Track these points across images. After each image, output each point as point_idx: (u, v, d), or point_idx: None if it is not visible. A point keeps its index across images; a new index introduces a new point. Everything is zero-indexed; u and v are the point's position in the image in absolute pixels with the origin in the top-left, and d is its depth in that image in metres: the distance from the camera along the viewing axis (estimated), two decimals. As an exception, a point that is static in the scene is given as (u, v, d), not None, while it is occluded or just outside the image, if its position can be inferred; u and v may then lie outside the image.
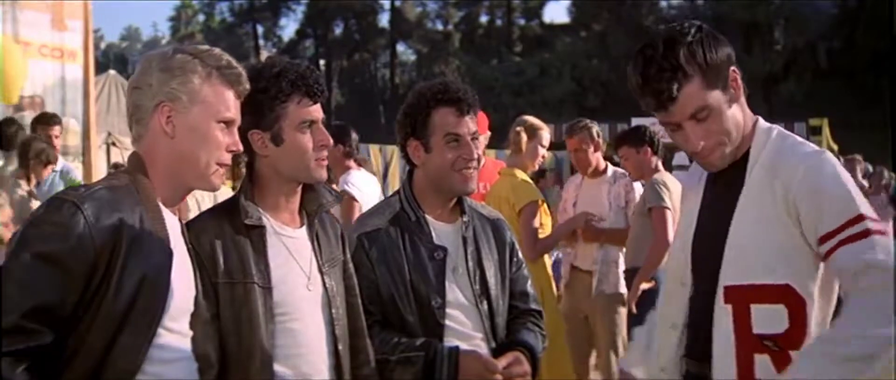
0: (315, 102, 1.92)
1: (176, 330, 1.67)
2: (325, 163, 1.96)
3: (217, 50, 1.77)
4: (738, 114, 1.76)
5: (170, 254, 1.65)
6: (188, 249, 1.78)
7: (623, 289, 4.37)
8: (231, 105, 1.74)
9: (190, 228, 1.86)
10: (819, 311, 1.68)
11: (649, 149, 4.31)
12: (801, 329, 1.65)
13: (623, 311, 4.33)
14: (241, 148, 1.79)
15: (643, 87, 1.72)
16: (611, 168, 4.56)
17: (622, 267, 4.54)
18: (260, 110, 1.87)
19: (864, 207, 1.65)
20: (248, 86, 1.78)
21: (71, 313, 1.51)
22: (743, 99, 1.78)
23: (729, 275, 1.74)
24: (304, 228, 1.99)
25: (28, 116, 7.05)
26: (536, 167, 4.39)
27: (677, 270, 1.88)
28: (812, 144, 1.77)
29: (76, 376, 1.53)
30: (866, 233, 1.61)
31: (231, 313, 1.81)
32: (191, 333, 1.74)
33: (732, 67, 1.75)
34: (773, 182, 1.70)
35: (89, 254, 1.51)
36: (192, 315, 1.75)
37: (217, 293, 1.81)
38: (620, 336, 4.32)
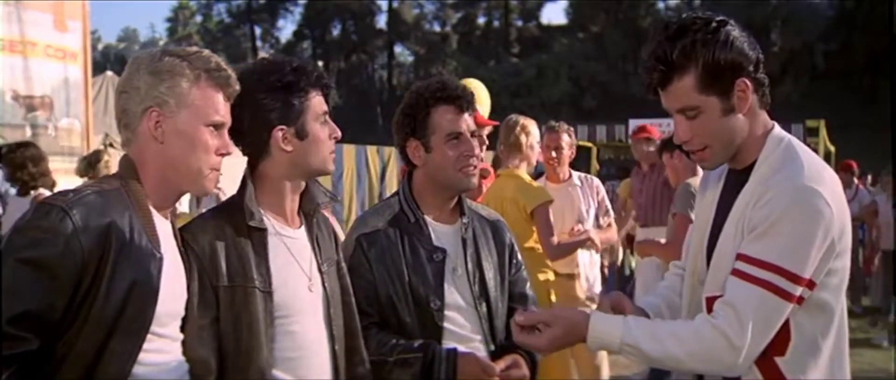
0: (327, 95, 1.94)
1: (165, 335, 1.66)
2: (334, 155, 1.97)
3: (206, 52, 1.74)
4: (737, 124, 1.70)
5: (160, 259, 1.63)
6: (181, 253, 1.76)
7: (598, 288, 4.55)
8: (221, 108, 1.72)
9: (188, 229, 1.84)
10: (806, 314, 1.64)
11: (682, 153, 4.26)
12: (782, 335, 1.64)
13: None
14: (231, 151, 1.77)
15: (644, 68, 1.73)
16: (575, 173, 4.62)
17: (598, 266, 4.70)
18: (289, 104, 1.86)
19: (794, 263, 1.58)
20: (237, 87, 1.76)
21: (59, 319, 1.50)
22: (753, 110, 1.71)
23: (709, 286, 1.74)
24: (303, 228, 1.98)
25: (40, 117, 7.03)
26: (534, 164, 4.39)
27: (694, 269, 1.85)
28: (819, 171, 1.65)
29: None
30: (762, 283, 1.59)
31: (231, 317, 1.78)
32: (180, 336, 1.72)
33: (741, 78, 1.67)
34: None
35: (77, 259, 1.49)
36: (186, 319, 1.74)
37: (218, 297, 1.78)
38: None
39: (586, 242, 4.25)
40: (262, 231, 1.85)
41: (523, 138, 4.12)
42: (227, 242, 1.82)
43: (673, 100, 1.70)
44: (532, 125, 4.21)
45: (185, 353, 1.72)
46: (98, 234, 1.52)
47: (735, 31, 1.67)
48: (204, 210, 2.05)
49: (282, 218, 1.93)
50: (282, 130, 1.86)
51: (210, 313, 1.77)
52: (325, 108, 1.92)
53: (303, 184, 1.96)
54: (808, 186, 1.60)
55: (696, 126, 1.70)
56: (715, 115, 1.68)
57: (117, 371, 1.55)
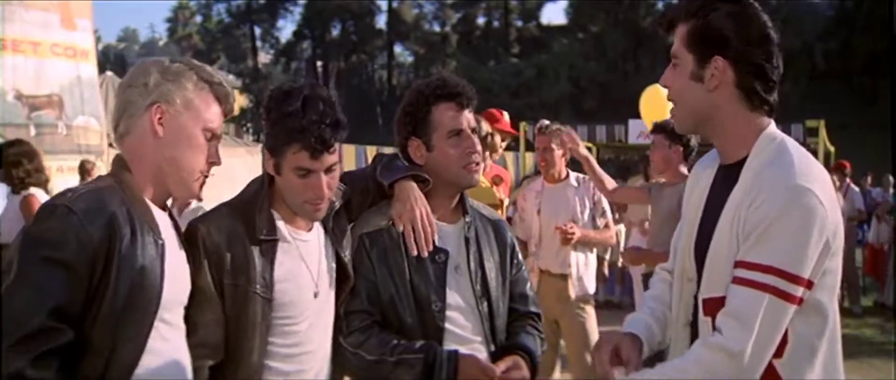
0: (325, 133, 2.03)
1: (169, 321, 1.71)
2: None
3: (210, 68, 1.86)
4: (700, 96, 1.72)
5: (162, 245, 1.69)
6: (181, 243, 1.82)
7: (592, 289, 4.54)
8: (217, 119, 1.82)
9: (203, 221, 1.92)
10: (801, 317, 1.63)
11: (682, 149, 4.26)
12: (781, 338, 1.63)
13: (593, 311, 4.45)
14: (220, 162, 1.84)
15: (667, 7, 1.82)
16: (572, 174, 4.61)
17: (594, 267, 4.64)
18: (277, 135, 1.96)
19: (793, 264, 1.58)
20: (233, 104, 1.87)
21: (80, 312, 1.56)
22: (733, 97, 1.71)
23: (706, 287, 1.73)
24: (315, 231, 2.05)
25: (45, 116, 7.03)
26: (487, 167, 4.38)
27: (683, 267, 1.84)
28: (810, 169, 1.65)
29: (88, 373, 1.57)
30: (763, 286, 1.59)
31: (233, 313, 1.88)
32: (182, 325, 1.78)
33: (720, 56, 1.69)
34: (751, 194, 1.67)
35: (89, 253, 1.56)
36: (205, 303, 1.83)
37: (223, 290, 1.87)
38: (593, 336, 4.34)
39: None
40: (272, 242, 1.93)
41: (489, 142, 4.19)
42: (236, 240, 1.89)
43: (674, 44, 1.78)
44: (495, 136, 4.28)
45: (201, 337, 1.82)
46: (102, 227, 1.59)
47: (755, 17, 1.70)
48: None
49: (296, 223, 2.01)
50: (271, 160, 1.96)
51: (220, 305, 1.86)
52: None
53: None
54: (799, 184, 1.60)
55: (674, 77, 1.78)
56: (685, 74, 1.75)
57: (130, 358, 1.61)
